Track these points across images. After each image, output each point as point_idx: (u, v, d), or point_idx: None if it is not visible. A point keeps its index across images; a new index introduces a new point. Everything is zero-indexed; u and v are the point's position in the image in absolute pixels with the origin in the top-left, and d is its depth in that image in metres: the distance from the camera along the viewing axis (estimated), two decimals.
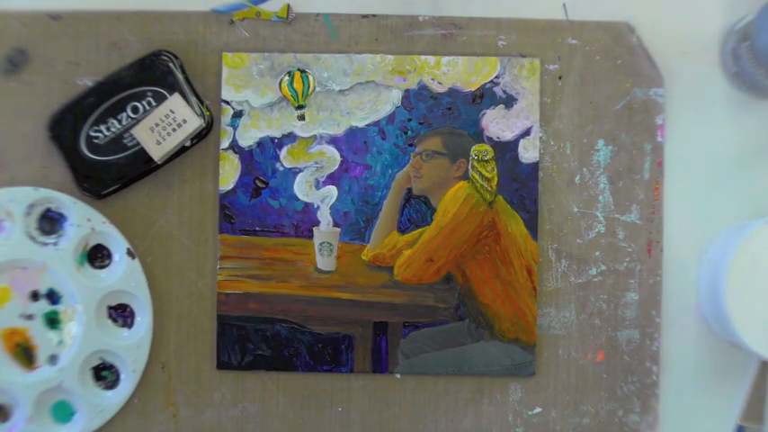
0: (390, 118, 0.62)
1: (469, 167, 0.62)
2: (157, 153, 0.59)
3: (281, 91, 0.62)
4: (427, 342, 0.62)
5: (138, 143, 0.60)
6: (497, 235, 0.62)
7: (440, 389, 0.62)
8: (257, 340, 0.61)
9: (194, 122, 0.59)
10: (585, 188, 0.62)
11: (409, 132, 0.62)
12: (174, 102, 0.59)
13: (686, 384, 0.63)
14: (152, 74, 0.60)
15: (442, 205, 0.62)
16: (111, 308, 0.61)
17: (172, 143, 0.59)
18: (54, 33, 0.62)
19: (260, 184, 0.62)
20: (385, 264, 0.62)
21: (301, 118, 0.62)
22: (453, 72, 0.62)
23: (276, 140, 0.62)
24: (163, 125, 0.58)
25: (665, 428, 0.62)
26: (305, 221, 0.62)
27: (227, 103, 0.62)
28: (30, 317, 0.61)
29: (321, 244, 0.62)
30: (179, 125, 0.58)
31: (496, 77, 0.62)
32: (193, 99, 0.60)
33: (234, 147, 0.62)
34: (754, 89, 0.62)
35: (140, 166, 0.60)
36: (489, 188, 0.62)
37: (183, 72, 0.61)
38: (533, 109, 0.62)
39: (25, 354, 0.61)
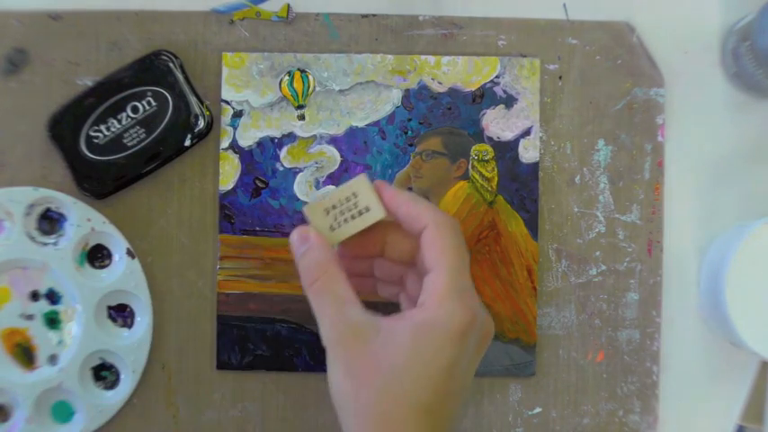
0: (390, 118, 0.62)
1: (470, 167, 0.62)
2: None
3: (281, 91, 0.62)
4: None
5: (138, 142, 0.60)
6: (497, 235, 0.62)
7: None
8: (257, 340, 0.61)
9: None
10: (585, 188, 0.62)
11: (409, 132, 0.62)
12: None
13: (686, 384, 0.63)
14: (152, 74, 0.60)
15: (442, 205, 0.62)
16: (110, 308, 0.61)
17: None
18: (54, 33, 0.62)
19: (260, 184, 0.62)
20: None
21: (301, 118, 0.62)
22: (453, 72, 0.62)
23: (276, 140, 0.62)
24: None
25: (665, 428, 0.62)
26: (305, 221, 0.62)
27: (227, 102, 0.62)
28: (30, 317, 0.60)
29: None
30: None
31: (496, 77, 0.62)
32: (193, 99, 0.61)
33: (234, 147, 0.62)
34: (754, 89, 0.62)
35: (140, 166, 0.60)
36: (489, 188, 0.62)
37: (183, 72, 0.61)
38: (533, 109, 0.62)
39: (25, 354, 0.60)
